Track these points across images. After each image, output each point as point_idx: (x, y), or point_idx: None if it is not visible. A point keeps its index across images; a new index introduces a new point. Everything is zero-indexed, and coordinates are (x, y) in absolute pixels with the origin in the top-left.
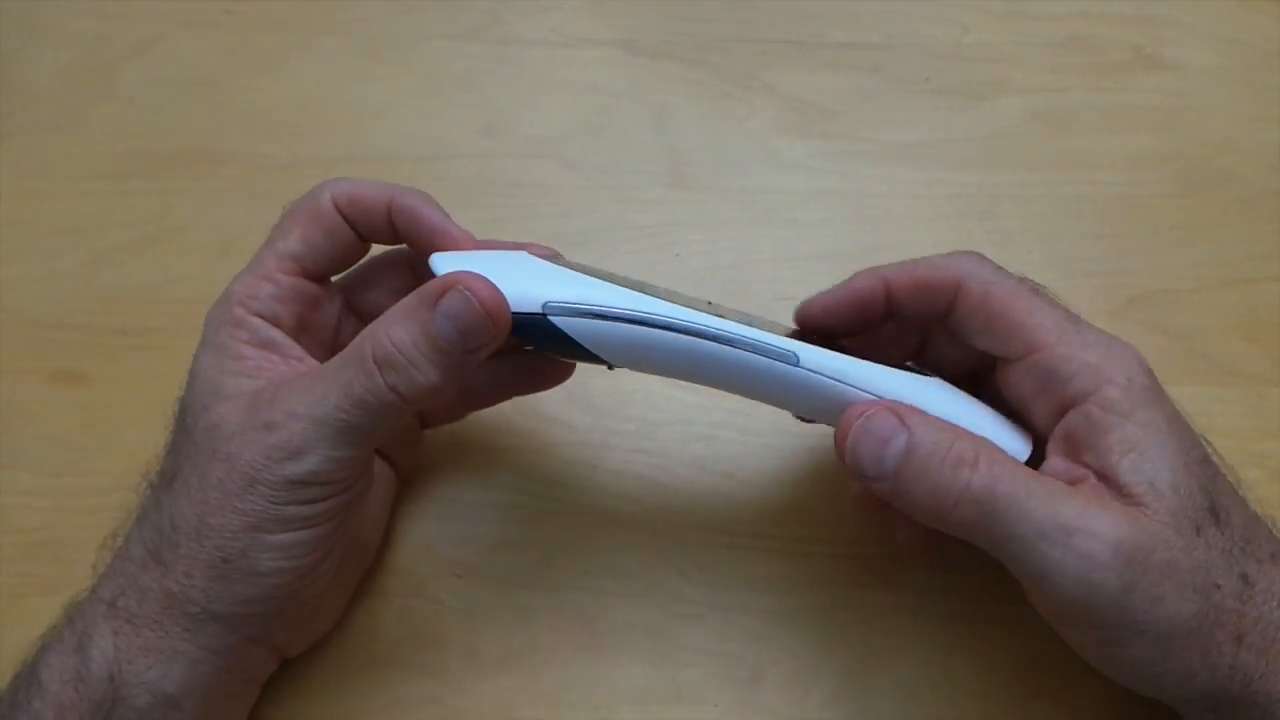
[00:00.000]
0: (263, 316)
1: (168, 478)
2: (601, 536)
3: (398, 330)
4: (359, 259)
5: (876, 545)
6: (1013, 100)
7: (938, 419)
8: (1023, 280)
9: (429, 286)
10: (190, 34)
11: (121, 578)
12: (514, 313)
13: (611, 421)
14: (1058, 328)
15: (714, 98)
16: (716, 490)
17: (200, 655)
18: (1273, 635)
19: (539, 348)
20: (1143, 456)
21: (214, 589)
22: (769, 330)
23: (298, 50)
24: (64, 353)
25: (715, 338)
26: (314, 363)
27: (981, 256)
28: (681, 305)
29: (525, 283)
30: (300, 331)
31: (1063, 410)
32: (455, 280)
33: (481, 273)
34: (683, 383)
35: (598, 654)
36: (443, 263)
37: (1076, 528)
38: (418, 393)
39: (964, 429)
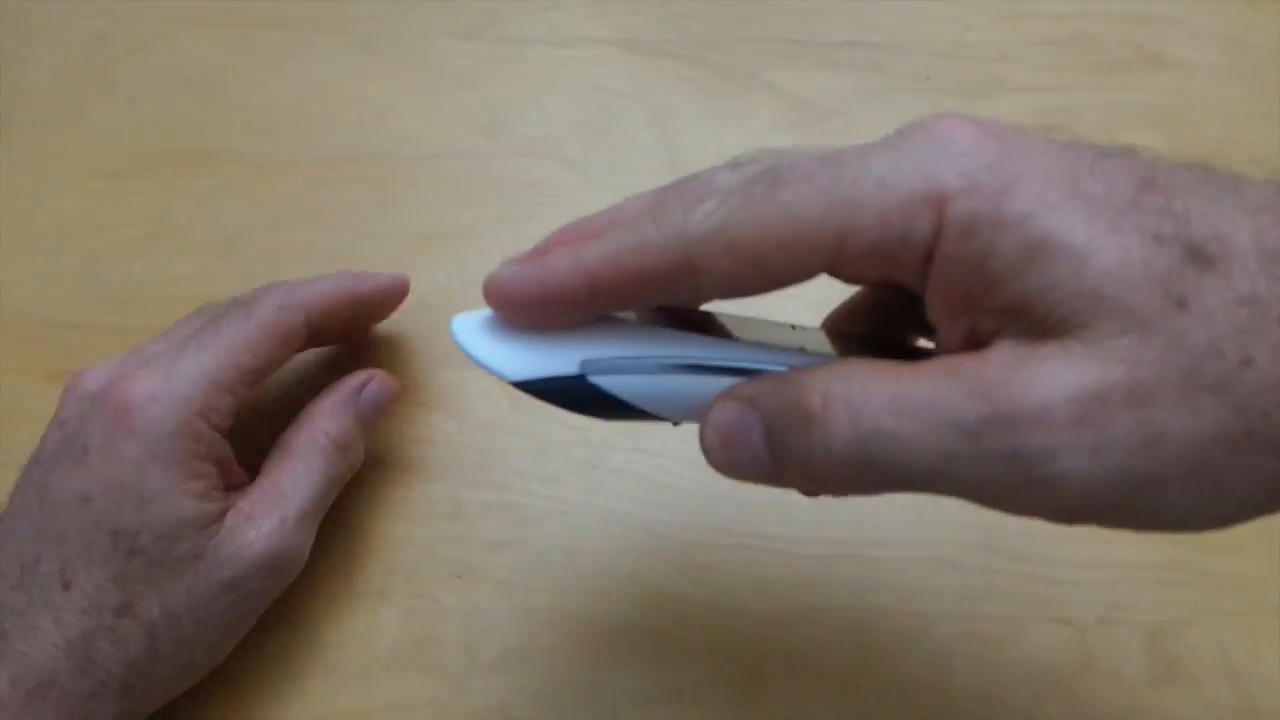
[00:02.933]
0: (218, 429)
1: (118, 609)
2: (601, 536)
3: (342, 420)
4: None
5: (876, 545)
6: (1014, 99)
7: (785, 379)
8: (760, 179)
9: (351, 382)
10: (190, 34)
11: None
12: (548, 378)
13: (612, 421)
14: (837, 192)
15: (714, 97)
16: (716, 490)
17: None
18: None
19: (585, 413)
20: (1048, 258)
21: (156, 691)
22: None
23: (298, 50)
24: (64, 352)
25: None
26: (241, 472)
27: (710, 205)
28: (750, 348)
29: (557, 339)
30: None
31: (922, 273)
32: (369, 373)
33: (504, 332)
34: None
35: (598, 654)
36: (462, 330)
37: (982, 422)
38: (359, 461)
39: (818, 369)
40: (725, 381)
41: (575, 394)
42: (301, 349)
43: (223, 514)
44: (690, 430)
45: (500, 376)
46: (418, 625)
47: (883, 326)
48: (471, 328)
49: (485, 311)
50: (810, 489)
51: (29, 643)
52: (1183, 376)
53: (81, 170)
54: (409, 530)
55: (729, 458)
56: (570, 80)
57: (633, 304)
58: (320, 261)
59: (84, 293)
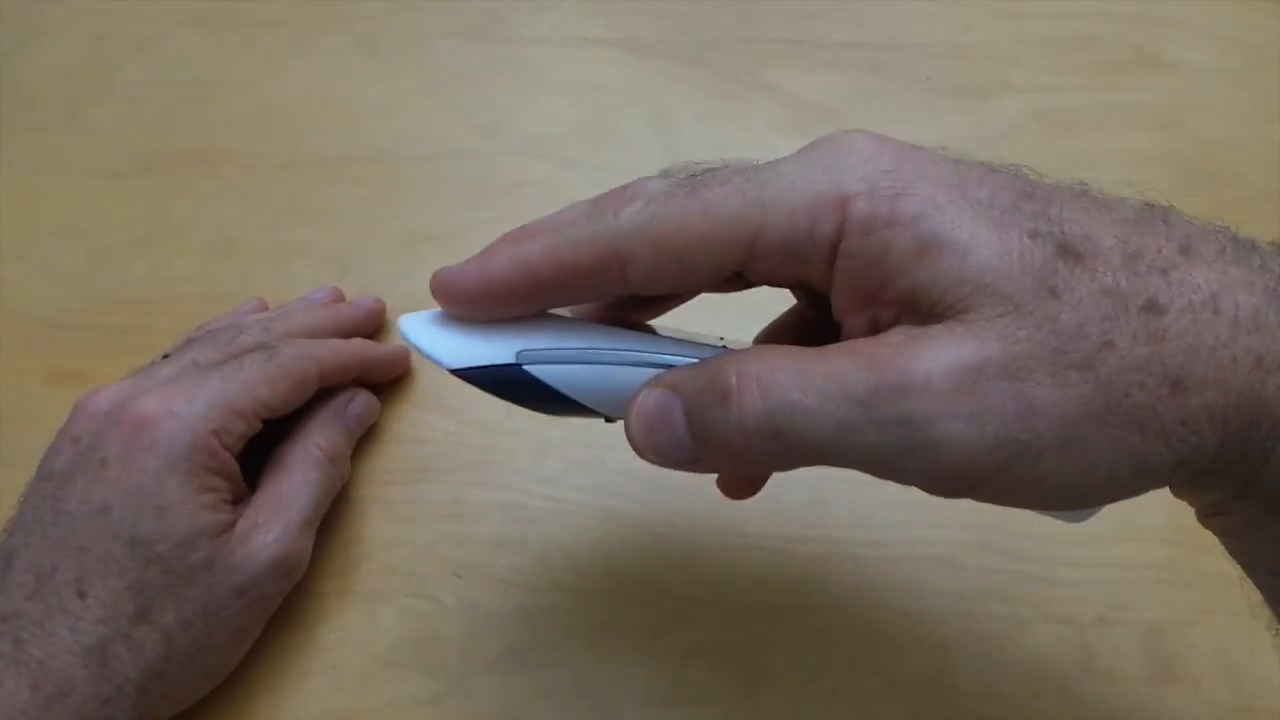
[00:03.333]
0: (228, 450)
1: (135, 616)
2: (601, 536)
3: (331, 434)
4: None
5: (876, 545)
6: (1014, 100)
7: (704, 365)
8: (681, 183)
9: (338, 399)
10: (190, 34)
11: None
12: (484, 366)
13: None
14: (750, 194)
15: (714, 97)
16: (716, 491)
17: None
18: (1225, 357)
19: (520, 404)
20: (936, 252)
21: (173, 695)
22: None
23: (298, 50)
24: (64, 352)
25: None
26: (245, 487)
27: (639, 204)
28: (680, 344)
29: (494, 331)
30: None
31: (828, 271)
32: (353, 391)
33: (448, 325)
34: None
35: (598, 654)
36: (409, 324)
37: (874, 392)
38: (347, 473)
39: (734, 354)
40: (651, 374)
41: (511, 382)
42: (311, 395)
43: (233, 524)
44: None
45: (441, 365)
46: (418, 625)
47: (807, 343)
48: (418, 323)
49: (434, 310)
50: (727, 467)
51: (46, 650)
52: (1052, 354)
53: (81, 170)
54: (409, 530)
55: (652, 441)
56: (570, 80)
57: (569, 297)
58: (320, 261)
59: (84, 293)
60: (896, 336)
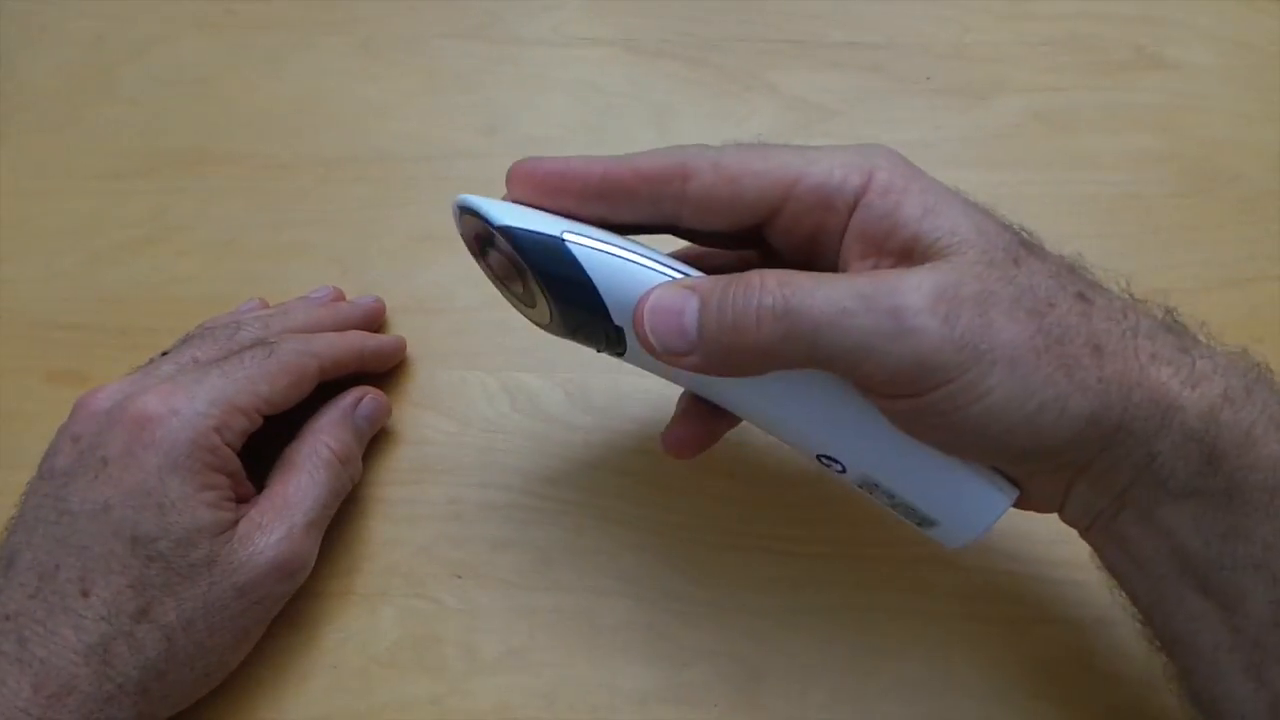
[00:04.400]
0: (230, 447)
1: (136, 614)
2: (601, 536)
3: (341, 434)
4: None
5: (876, 545)
6: (1014, 100)
7: (724, 275)
8: (747, 145)
9: (347, 398)
10: (190, 34)
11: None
12: (530, 231)
13: (612, 421)
14: (800, 153)
15: (714, 97)
16: (716, 490)
17: None
18: (1130, 344)
19: (545, 286)
20: (937, 213)
21: (173, 695)
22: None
23: (298, 50)
24: (64, 353)
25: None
26: (250, 486)
27: (704, 146)
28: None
29: (546, 215)
30: None
31: (847, 220)
32: (362, 390)
33: (506, 205)
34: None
35: (598, 654)
36: (468, 197)
37: (873, 291)
38: (358, 474)
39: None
40: (670, 277)
41: (550, 253)
42: (311, 391)
43: (235, 523)
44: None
45: (491, 221)
46: (418, 625)
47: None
48: (475, 198)
49: (489, 199)
50: (718, 359)
51: (49, 649)
52: (1012, 297)
53: (82, 171)
54: (409, 530)
55: (657, 327)
56: (570, 80)
57: (630, 202)
58: (320, 261)
59: (84, 293)
60: (892, 269)
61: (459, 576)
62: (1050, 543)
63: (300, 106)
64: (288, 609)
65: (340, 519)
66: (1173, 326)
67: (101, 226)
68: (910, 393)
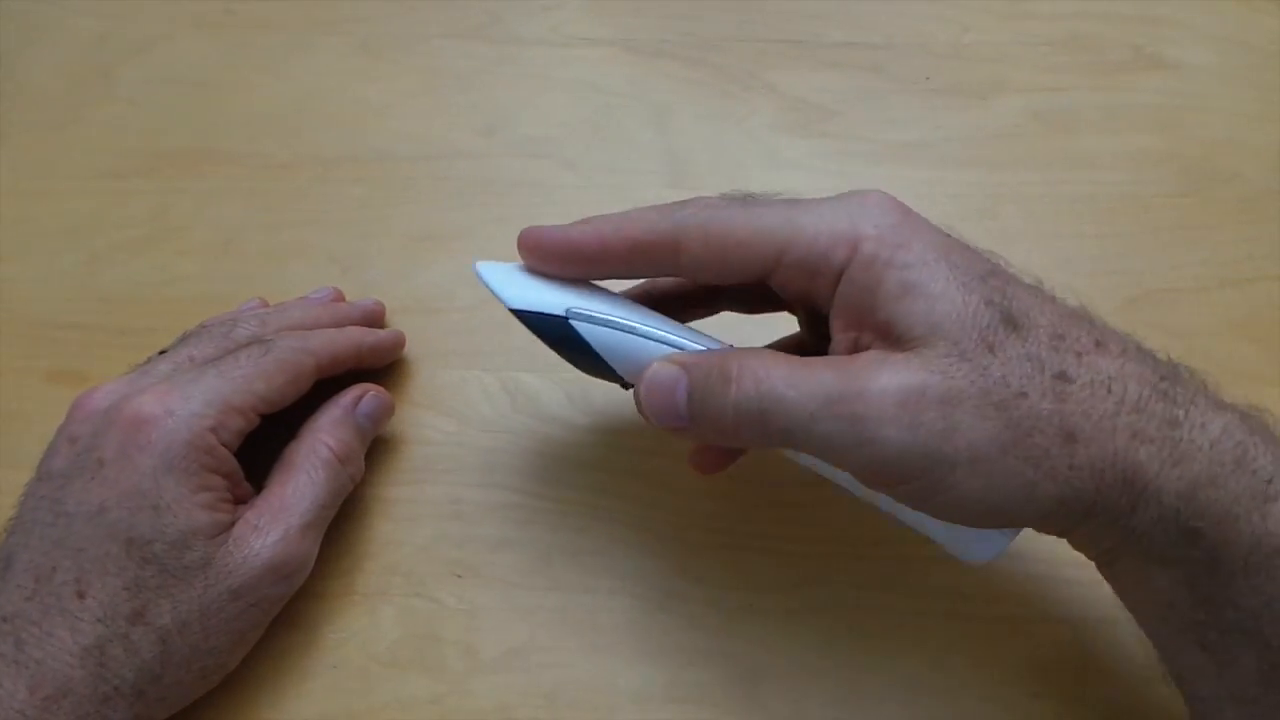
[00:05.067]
0: (227, 447)
1: (132, 616)
2: (601, 536)
3: (341, 433)
4: None
5: (876, 545)
6: (1013, 100)
7: (713, 353)
8: (737, 199)
9: (348, 396)
10: (190, 34)
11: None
12: (539, 313)
13: (613, 421)
14: (787, 216)
15: (714, 97)
16: (716, 490)
17: None
18: (1109, 425)
19: (558, 352)
20: (913, 296)
21: (169, 697)
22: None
23: (298, 50)
24: (64, 352)
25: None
26: (249, 487)
27: (700, 207)
28: (697, 335)
29: (554, 288)
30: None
31: (834, 287)
32: (364, 388)
33: (517, 277)
34: None
35: (598, 654)
36: (485, 268)
37: (839, 395)
38: (360, 474)
39: (740, 350)
40: (670, 351)
41: (555, 331)
42: (308, 389)
43: (231, 524)
44: None
45: (503, 303)
46: (418, 625)
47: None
48: (492, 268)
49: (503, 263)
50: (710, 438)
51: (45, 651)
52: (979, 393)
53: (81, 171)
54: (409, 530)
55: (654, 405)
56: (570, 80)
57: (627, 269)
58: (320, 261)
59: (84, 293)
60: (868, 357)
61: (459, 576)
62: (1051, 542)
63: (300, 106)
64: (288, 609)
65: (340, 519)
66: (1168, 392)
67: (101, 226)
68: (880, 485)
